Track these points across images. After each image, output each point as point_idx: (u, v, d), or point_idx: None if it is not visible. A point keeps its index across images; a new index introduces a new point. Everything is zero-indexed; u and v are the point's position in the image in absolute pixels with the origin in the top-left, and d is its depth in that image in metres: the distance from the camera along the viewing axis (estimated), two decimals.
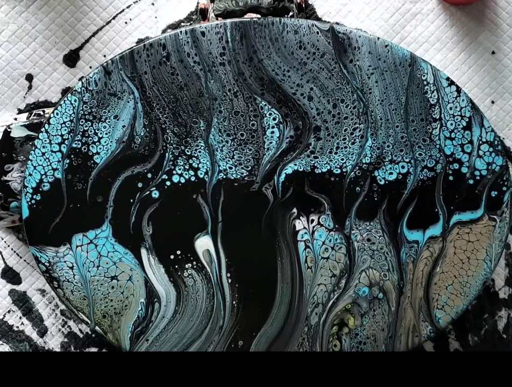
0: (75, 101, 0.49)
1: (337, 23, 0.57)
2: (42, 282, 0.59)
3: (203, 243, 0.50)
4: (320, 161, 0.50)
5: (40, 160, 0.49)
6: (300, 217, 0.50)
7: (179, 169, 0.50)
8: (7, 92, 0.58)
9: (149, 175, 0.50)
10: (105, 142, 0.49)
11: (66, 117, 0.49)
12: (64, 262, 0.50)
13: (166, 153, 0.50)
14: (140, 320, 0.51)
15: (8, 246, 0.59)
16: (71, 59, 0.59)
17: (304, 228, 0.50)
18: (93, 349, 0.60)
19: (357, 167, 0.50)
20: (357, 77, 0.49)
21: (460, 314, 0.52)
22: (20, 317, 0.59)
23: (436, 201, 0.51)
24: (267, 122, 0.50)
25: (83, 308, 0.50)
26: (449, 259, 0.51)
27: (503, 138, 0.60)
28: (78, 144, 0.49)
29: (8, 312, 0.59)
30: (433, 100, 0.50)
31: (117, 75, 0.49)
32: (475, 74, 0.60)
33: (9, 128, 0.52)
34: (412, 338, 0.51)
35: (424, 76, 0.49)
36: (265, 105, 0.49)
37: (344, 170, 0.50)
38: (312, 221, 0.50)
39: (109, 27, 0.59)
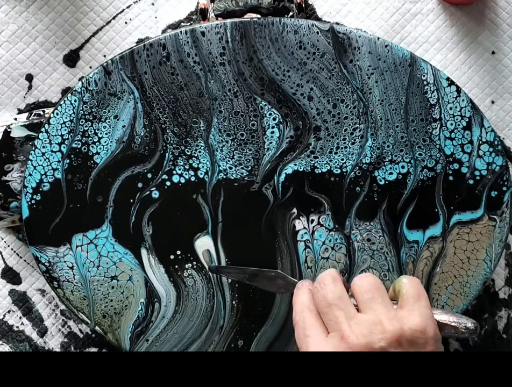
0: (75, 101, 0.49)
1: (337, 23, 0.57)
2: (42, 283, 0.59)
3: (203, 243, 0.50)
4: (320, 161, 0.50)
5: (40, 160, 0.49)
6: (300, 217, 0.50)
7: (179, 169, 0.50)
8: (7, 92, 0.58)
9: (149, 175, 0.50)
10: (105, 142, 0.49)
11: (66, 118, 0.49)
12: (64, 262, 0.50)
13: (166, 154, 0.50)
14: (140, 320, 0.51)
15: (8, 246, 0.59)
16: (71, 59, 0.59)
17: (304, 228, 0.50)
18: (93, 349, 0.60)
19: (357, 168, 0.50)
20: (357, 77, 0.49)
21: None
22: (20, 317, 0.59)
23: (436, 201, 0.51)
24: (267, 122, 0.50)
25: (83, 308, 0.50)
26: (449, 259, 0.51)
27: (503, 138, 0.60)
28: (78, 144, 0.49)
29: (8, 312, 0.59)
30: (433, 100, 0.50)
31: (117, 75, 0.49)
32: (475, 74, 0.60)
33: (9, 128, 0.52)
34: None
35: (424, 76, 0.49)
36: (265, 105, 0.49)
37: (344, 170, 0.50)
38: (312, 221, 0.50)
39: (109, 27, 0.59)
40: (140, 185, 0.50)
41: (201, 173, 0.50)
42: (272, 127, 0.50)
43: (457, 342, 0.60)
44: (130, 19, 0.59)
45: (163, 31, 0.59)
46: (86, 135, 0.49)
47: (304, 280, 0.48)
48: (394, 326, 0.40)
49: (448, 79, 0.50)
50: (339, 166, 0.50)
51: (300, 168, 0.50)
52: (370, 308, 0.42)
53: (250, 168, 0.50)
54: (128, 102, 0.49)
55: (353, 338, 0.40)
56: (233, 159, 0.50)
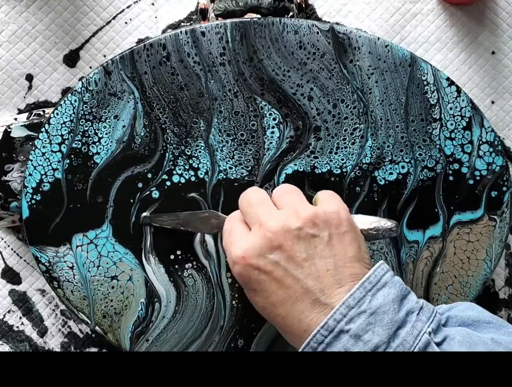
0: (75, 101, 0.49)
1: (337, 24, 0.57)
2: (42, 283, 0.59)
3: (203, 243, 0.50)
4: (320, 161, 0.50)
5: (40, 160, 0.49)
6: None
7: (180, 169, 0.50)
8: (7, 92, 0.58)
9: (149, 175, 0.50)
10: (105, 142, 0.49)
11: (66, 118, 0.49)
12: (64, 262, 0.50)
13: (167, 154, 0.50)
14: (140, 320, 0.51)
15: (8, 246, 0.59)
16: (71, 59, 0.59)
17: None
18: (93, 349, 0.60)
19: (357, 168, 0.50)
20: (357, 77, 0.49)
21: None
22: (20, 317, 0.59)
23: (436, 201, 0.51)
24: (267, 122, 0.50)
25: (83, 308, 0.50)
26: (449, 259, 0.51)
27: (503, 138, 0.60)
28: (78, 144, 0.49)
29: (8, 312, 0.59)
30: (433, 100, 0.50)
31: (117, 75, 0.49)
32: (475, 74, 0.60)
33: (9, 128, 0.52)
34: None
35: (424, 76, 0.49)
36: (265, 105, 0.49)
37: (344, 170, 0.50)
38: None
39: (109, 27, 0.58)
40: (140, 185, 0.50)
41: (201, 173, 0.50)
42: (273, 127, 0.50)
43: None
44: (131, 19, 0.59)
45: (163, 31, 0.59)
46: (86, 135, 0.49)
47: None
48: (309, 211, 0.42)
49: (448, 79, 0.50)
50: (339, 166, 0.50)
51: (300, 168, 0.50)
52: (287, 204, 0.43)
53: (250, 168, 0.50)
54: (128, 102, 0.49)
55: (271, 223, 0.41)
56: (233, 159, 0.50)
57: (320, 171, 0.50)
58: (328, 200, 0.44)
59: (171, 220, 0.49)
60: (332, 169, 0.50)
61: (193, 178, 0.50)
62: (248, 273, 0.42)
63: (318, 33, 0.49)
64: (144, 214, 0.50)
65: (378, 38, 0.49)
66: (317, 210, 0.42)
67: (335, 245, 0.41)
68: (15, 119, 0.56)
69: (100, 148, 0.49)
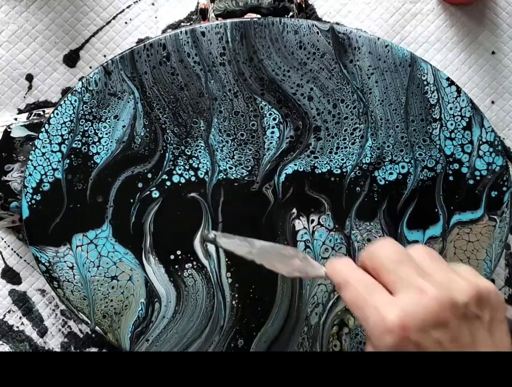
0: (75, 101, 0.49)
1: (337, 23, 0.57)
2: (42, 283, 0.59)
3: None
4: (320, 161, 0.50)
5: (40, 160, 0.49)
6: (300, 218, 0.50)
7: (180, 169, 0.50)
8: (7, 92, 0.58)
9: (149, 175, 0.50)
10: (105, 142, 0.49)
11: (66, 118, 0.49)
12: (64, 262, 0.50)
13: (167, 154, 0.50)
14: (140, 320, 0.51)
15: (8, 246, 0.59)
16: (71, 59, 0.59)
17: (304, 228, 0.50)
18: (93, 349, 0.59)
19: (357, 168, 0.50)
20: (357, 77, 0.49)
21: None
22: (20, 317, 0.59)
23: (437, 201, 0.51)
24: (267, 122, 0.50)
25: (83, 308, 0.50)
26: (449, 259, 0.51)
27: (503, 138, 0.60)
28: (78, 144, 0.49)
29: (8, 312, 0.59)
30: (433, 100, 0.50)
31: (117, 75, 0.49)
32: (475, 74, 0.60)
33: (9, 128, 0.52)
34: None
35: (424, 76, 0.49)
36: (265, 105, 0.49)
37: (344, 170, 0.50)
38: (312, 221, 0.50)
39: (109, 27, 0.58)
40: (140, 185, 0.50)
41: (201, 173, 0.50)
42: (273, 127, 0.50)
43: None
44: (131, 19, 0.59)
45: (163, 31, 0.59)
46: (86, 135, 0.49)
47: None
48: (471, 285, 0.35)
49: (448, 79, 0.50)
50: (339, 166, 0.50)
51: (301, 168, 0.50)
52: (437, 269, 0.36)
53: (250, 168, 0.50)
54: (128, 102, 0.49)
55: (434, 290, 0.34)
56: (233, 159, 0.50)
57: (320, 171, 0.50)
58: (477, 274, 0.37)
59: (243, 246, 0.41)
60: (332, 169, 0.50)
61: (193, 178, 0.50)
62: (403, 348, 0.34)
63: (318, 33, 0.49)
64: (211, 231, 0.47)
65: (378, 38, 0.49)
66: (479, 285, 0.35)
67: (495, 332, 0.35)
68: (15, 119, 0.56)
69: (100, 148, 0.49)
